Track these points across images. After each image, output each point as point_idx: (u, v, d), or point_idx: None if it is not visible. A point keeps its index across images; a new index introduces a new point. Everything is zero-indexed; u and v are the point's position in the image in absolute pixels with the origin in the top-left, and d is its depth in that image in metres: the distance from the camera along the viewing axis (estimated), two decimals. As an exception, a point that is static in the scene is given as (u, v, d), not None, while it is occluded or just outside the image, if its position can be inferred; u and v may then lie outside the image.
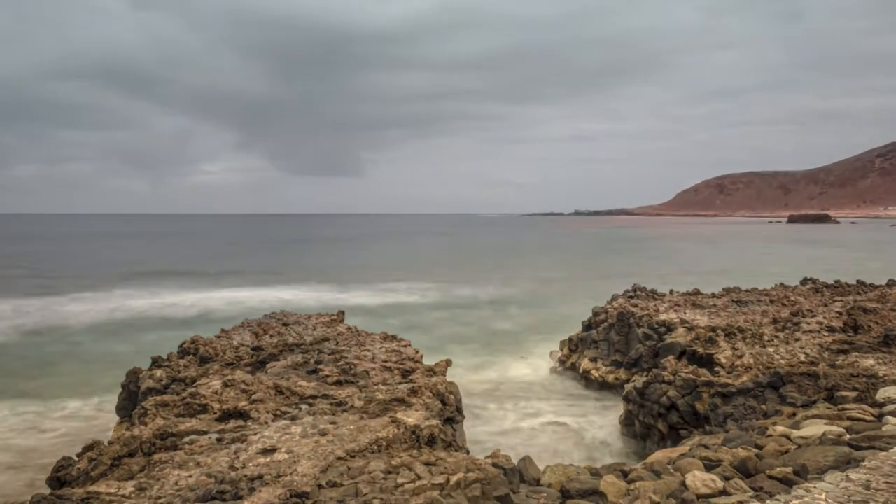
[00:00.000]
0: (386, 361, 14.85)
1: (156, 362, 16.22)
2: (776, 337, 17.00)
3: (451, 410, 12.86)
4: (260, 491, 8.10)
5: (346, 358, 15.09)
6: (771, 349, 15.75)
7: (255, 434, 10.39)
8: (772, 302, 22.32)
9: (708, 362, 15.53)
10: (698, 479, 7.77)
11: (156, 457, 9.70)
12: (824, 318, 18.58)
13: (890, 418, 9.94)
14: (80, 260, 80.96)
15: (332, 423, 10.82)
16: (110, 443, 10.37)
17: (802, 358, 14.72)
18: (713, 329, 17.55)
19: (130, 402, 15.11)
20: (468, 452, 11.61)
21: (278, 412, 11.67)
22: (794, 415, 11.64)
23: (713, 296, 24.66)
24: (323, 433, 10.27)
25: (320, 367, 14.41)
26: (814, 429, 9.69)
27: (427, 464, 9.13)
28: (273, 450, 9.64)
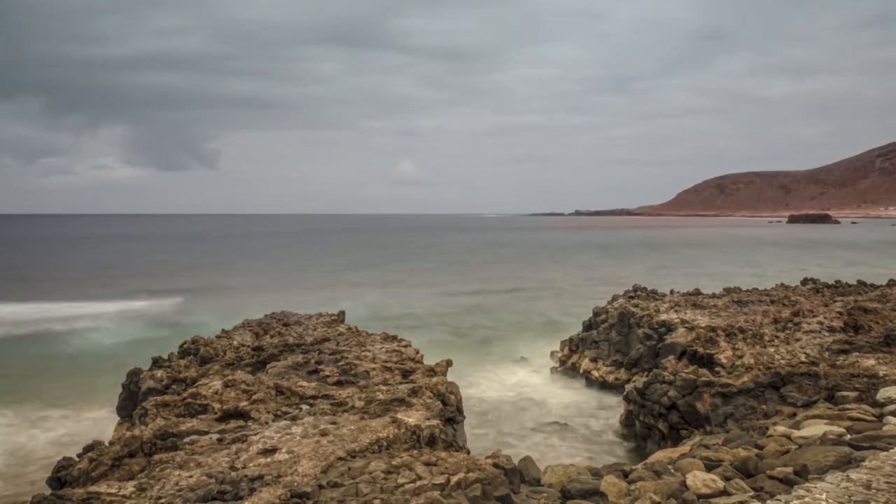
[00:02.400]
0: (386, 362, 14.85)
1: (156, 362, 16.23)
2: (777, 337, 16.99)
3: (451, 410, 12.85)
4: (260, 491, 8.11)
5: (347, 358, 15.09)
6: (771, 349, 15.75)
7: (256, 434, 10.39)
8: (772, 302, 22.31)
9: (708, 362, 15.52)
10: (699, 479, 7.77)
11: (156, 457, 9.71)
12: (825, 318, 18.57)
13: (891, 418, 9.94)
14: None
15: (333, 423, 10.82)
16: (111, 443, 10.37)
17: (803, 358, 14.71)
18: (714, 329, 17.55)
19: (131, 403, 15.12)
20: (469, 452, 11.61)
21: (279, 412, 11.68)
22: (795, 415, 11.63)
23: (713, 296, 24.67)
24: (324, 433, 10.27)
25: (321, 367, 14.41)
26: (814, 429, 9.69)
27: (428, 464, 9.13)
28: (274, 450, 9.65)
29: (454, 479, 8.24)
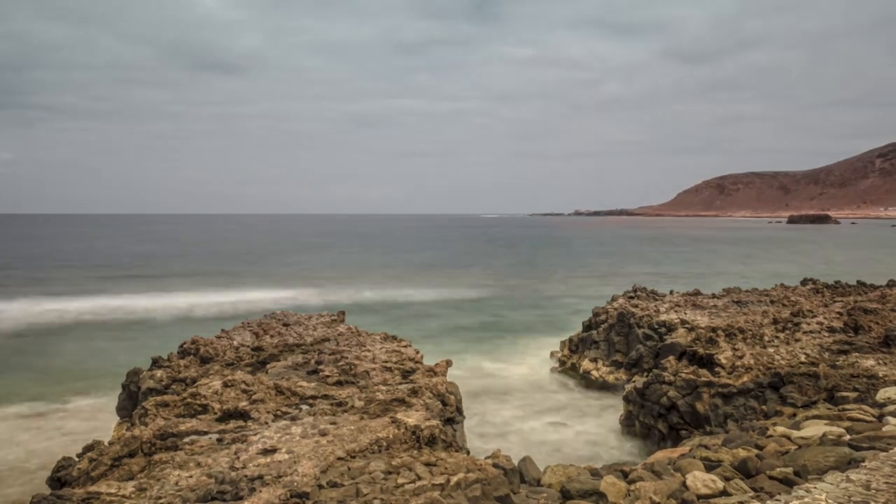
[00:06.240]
0: (386, 362, 14.85)
1: (156, 362, 16.22)
2: (777, 337, 17.00)
3: (451, 411, 12.86)
4: (260, 491, 8.11)
5: (347, 358, 15.10)
6: (771, 349, 15.75)
7: (256, 434, 10.39)
8: (772, 302, 22.32)
9: (708, 363, 15.53)
10: (699, 480, 7.77)
11: (156, 457, 9.71)
12: (825, 318, 18.58)
13: (890, 419, 9.94)
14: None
15: (333, 423, 10.82)
16: (110, 443, 10.37)
17: (803, 358, 14.72)
18: (714, 329, 17.56)
19: (131, 403, 15.12)
20: (468, 453, 11.61)
21: (279, 412, 11.68)
22: (795, 415, 11.65)
23: (713, 296, 24.67)
24: (323, 433, 10.27)
25: (321, 367, 14.41)
26: (814, 429, 9.69)
27: (427, 464, 9.13)
28: (273, 450, 9.65)
29: (454, 479, 8.25)
